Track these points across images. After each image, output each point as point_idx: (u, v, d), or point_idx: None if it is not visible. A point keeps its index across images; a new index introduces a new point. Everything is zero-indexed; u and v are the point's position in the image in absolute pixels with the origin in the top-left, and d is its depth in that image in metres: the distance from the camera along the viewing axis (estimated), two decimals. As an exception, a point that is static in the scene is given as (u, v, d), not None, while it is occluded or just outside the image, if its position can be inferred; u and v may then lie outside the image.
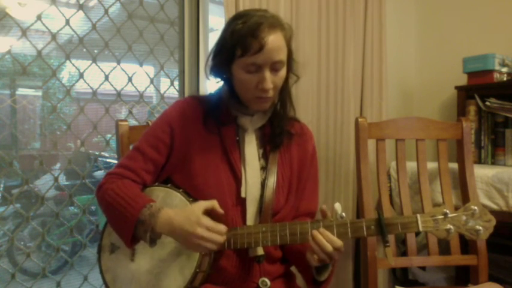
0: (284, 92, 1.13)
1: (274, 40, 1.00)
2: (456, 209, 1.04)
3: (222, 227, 0.96)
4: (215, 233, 0.95)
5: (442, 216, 0.98)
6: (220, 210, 1.00)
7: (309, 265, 1.03)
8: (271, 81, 1.02)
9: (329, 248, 0.94)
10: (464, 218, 0.99)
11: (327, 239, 0.96)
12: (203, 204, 0.99)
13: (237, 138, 1.13)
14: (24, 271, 1.80)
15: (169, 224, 0.96)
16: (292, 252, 1.15)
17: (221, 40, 1.06)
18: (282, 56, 1.03)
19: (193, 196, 1.08)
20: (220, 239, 0.96)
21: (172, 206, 1.06)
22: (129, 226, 0.99)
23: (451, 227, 0.98)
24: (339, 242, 0.96)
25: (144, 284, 1.03)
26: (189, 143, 1.10)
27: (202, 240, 0.93)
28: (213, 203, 1.00)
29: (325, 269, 1.03)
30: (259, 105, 1.08)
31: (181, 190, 1.08)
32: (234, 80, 1.07)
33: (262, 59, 1.00)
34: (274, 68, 1.03)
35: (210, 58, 1.09)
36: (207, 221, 0.95)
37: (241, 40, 0.99)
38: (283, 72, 1.06)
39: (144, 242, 1.00)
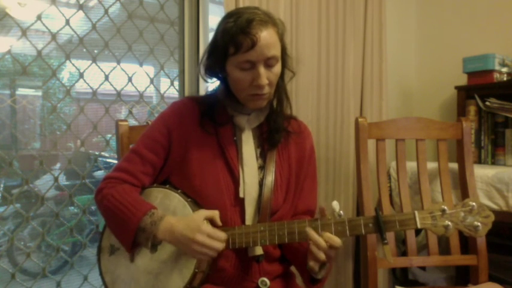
0: (280, 89, 1.13)
1: (266, 36, 0.99)
2: (456, 208, 1.03)
3: (222, 234, 0.97)
4: (215, 239, 0.95)
5: (440, 213, 0.98)
6: (219, 222, 1.01)
7: (305, 263, 1.02)
8: (266, 77, 1.02)
9: (324, 245, 0.94)
10: (462, 214, 0.98)
11: (325, 238, 0.96)
12: (204, 213, 1.00)
13: (234, 138, 1.13)
14: (24, 271, 1.80)
15: (171, 232, 0.97)
16: (289, 250, 1.15)
17: (214, 40, 1.06)
18: (275, 51, 1.02)
19: (192, 197, 1.08)
20: (220, 245, 0.96)
21: (170, 207, 1.06)
22: (129, 233, 1.00)
23: (449, 223, 0.97)
24: (338, 242, 0.96)
25: (143, 284, 1.03)
26: (186, 144, 1.10)
27: (202, 246, 0.94)
28: (214, 214, 1.01)
29: (323, 267, 1.03)
30: (255, 102, 1.07)
31: (179, 191, 1.08)
32: (229, 79, 1.07)
33: (255, 56, 0.99)
34: (268, 63, 1.02)
35: (204, 59, 1.09)
36: (208, 228, 0.96)
37: (233, 38, 0.99)
38: (277, 68, 1.05)
39: (145, 248, 1.01)
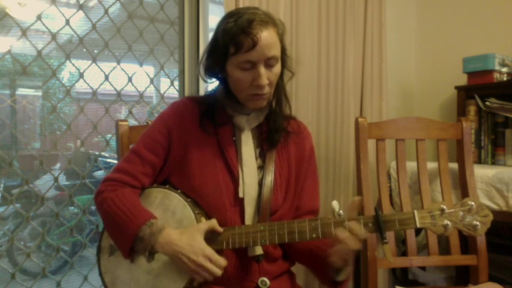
0: (279, 89, 1.13)
1: (266, 36, 1.00)
2: (456, 209, 1.03)
3: (223, 261, 0.97)
4: (215, 265, 0.96)
5: (439, 212, 0.98)
6: (220, 229, 1.02)
7: (327, 266, 1.02)
8: (266, 77, 1.02)
9: (358, 245, 0.95)
10: (461, 213, 0.99)
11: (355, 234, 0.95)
12: (203, 227, 1.00)
13: (234, 138, 1.13)
14: (24, 271, 1.80)
15: (171, 247, 0.97)
16: (305, 254, 1.13)
17: (214, 40, 1.06)
18: (276, 51, 1.03)
19: (191, 197, 1.08)
20: (219, 272, 0.97)
21: (170, 207, 1.06)
22: (127, 241, 1.00)
23: (448, 222, 0.98)
24: (364, 233, 0.96)
25: (143, 285, 1.03)
26: (186, 144, 1.10)
27: (201, 268, 0.95)
28: (213, 224, 1.02)
29: (344, 268, 1.02)
30: (255, 102, 1.07)
31: (179, 191, 1.08)
32: (229, 79, 1.07)
33: (256, 56, 1.00)
34: (269, 64, 1.03)
35: (204, 59, 1.09)
36: (210, 252, 0.96)
37: (233, 38, 0.99)
38: (277, 68, 1.05)
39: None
